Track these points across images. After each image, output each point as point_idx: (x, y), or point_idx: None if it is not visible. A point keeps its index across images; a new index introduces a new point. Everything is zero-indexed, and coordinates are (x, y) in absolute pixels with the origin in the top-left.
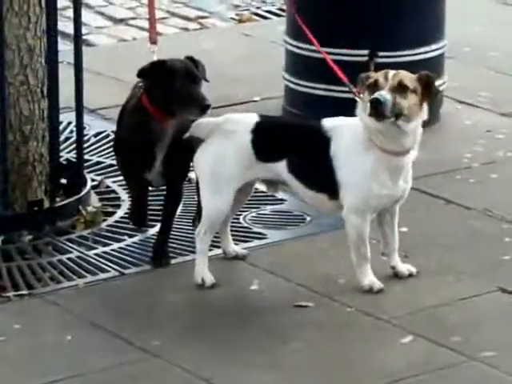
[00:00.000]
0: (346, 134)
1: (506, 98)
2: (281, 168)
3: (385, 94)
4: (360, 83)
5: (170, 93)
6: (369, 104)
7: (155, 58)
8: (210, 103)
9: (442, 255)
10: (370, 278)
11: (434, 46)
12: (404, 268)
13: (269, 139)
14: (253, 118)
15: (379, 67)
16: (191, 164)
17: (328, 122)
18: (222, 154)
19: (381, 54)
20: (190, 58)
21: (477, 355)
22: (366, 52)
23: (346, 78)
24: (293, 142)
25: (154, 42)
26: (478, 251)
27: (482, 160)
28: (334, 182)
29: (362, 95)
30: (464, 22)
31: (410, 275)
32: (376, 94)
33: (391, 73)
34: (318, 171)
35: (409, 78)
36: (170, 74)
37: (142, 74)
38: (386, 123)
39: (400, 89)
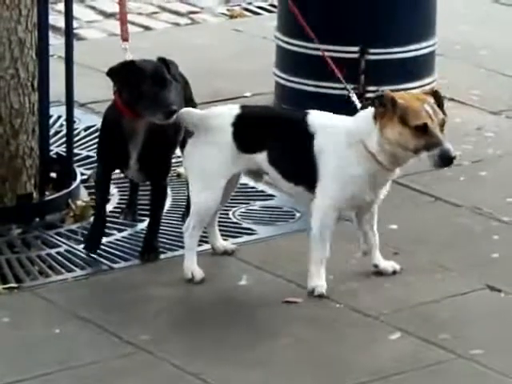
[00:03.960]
0: (337, 135)
1: (496, 96)
2: (261, 159)
3: (451, 148)
4: (378, 102)
5: (137, 94)
6: (438, 158)
7: (128, 55)
8: (175, 108)
9: (431, 252)
10: (316, 282)
11: (424, 44)
12: (388, 265)
13: (250, 130)
14: (234, 111)
15: (370, 64)
16: (171, 159)
17: (314, 117)
18: (208, 149)
19: (371, 50)
20: (162, 60)
21: (465, 353)
22: (356, 49)
23: (344, 81)
24: (274, 133)
25: (125, 39)
26: (466, 249)
27: (472, 158)
28: (314, 177)
29: (381, 115)
30: (455, 19)
31: (394, 272)
32: (447, 150)
33: (429, 109)
34: (299, 165)
35: (436, 105)
36: (138, 75)
37: (111, 73)
38: (408, 154)
39: (442, 126)
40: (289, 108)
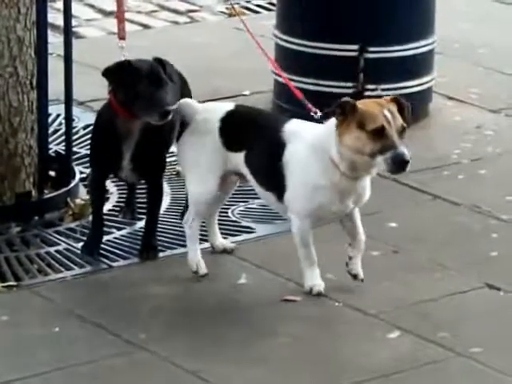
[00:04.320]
0: (304, 145)
1: (494, 95)
2: (240, 159)
3: (406, 151)
4: (339, 110)
5: (132, 95)
6: (390, 161)
7: (124, 54)
8: (170, 109)
9: (430, 251)
10: (311, 281)
11: (423, 42)
12: (354, 267)
13: (232, 129)
14: (226, 107)
15: (369, 62)
16: (166, 157)
17: (290, 126)
18: (200, 142)
19: (370, 49)
20: (158, 60)
21: (464, 351)
22: (355, 47)
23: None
24: (251, 136)
25: (122, 37)
26: (465, 247)
27: (471, 156)
28: (282, 186)
29: (341, 122)
30: (454, 18)
31: (355, 277)
32: (400, 153)
33: (388, 114)
34: (268, 171)
35: (398, 113)
36: (134, 75)
37: (106, 73)
38: (365, 159)
39: (401, 132)
40: (285, 108)
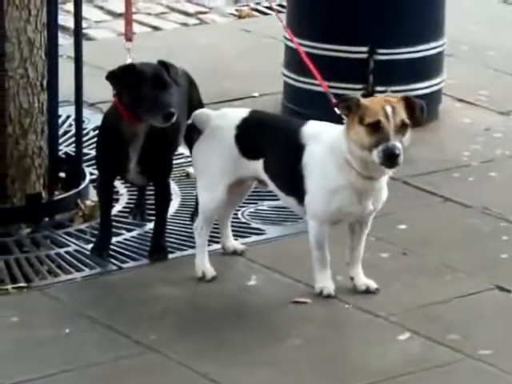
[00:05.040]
0: (323, 145)
1: (504, 97)
2: (259, 166)
3: (398, 145)
4: (345, 107)
5: (136, 98)
6: (381, 154)
7: (129, 56)
8: (173, 111)
9: (440, 253)
10: (322, 283)
11: (433, 44)
12: (362, 282)
13: (250, 136)
14: (241, 114)
15: (378, 64)
16: (172, 159)
17: (308, 128)
18: (213, 148)
19: (380, 51)
20: (162, 63)
21: (474, 353)
22: (365, 49)
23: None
24: (270, 142)
25: (129, 39)
26: (475, 249)
27: (481, 158)
28: (302, 190)
29: (348, 118)
30: (463, 20)
31: (367, 291)
32: (391, 146)
33: (389, 109)
34: (289, 176)
35: (403, 111)
36: (138, 78)
37: (110, 77)
38: (366, 154)
39: (401, 128)
40: (295, 110)
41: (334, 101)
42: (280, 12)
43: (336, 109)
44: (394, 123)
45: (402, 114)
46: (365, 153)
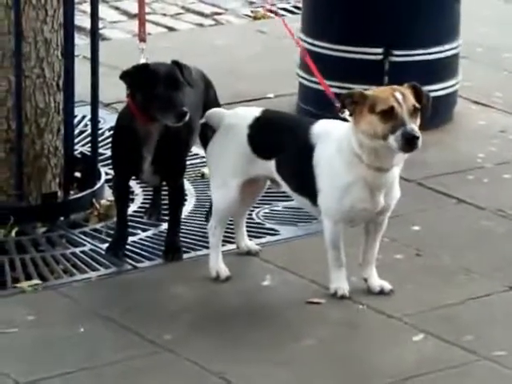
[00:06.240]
0: (332, 144)
1: None
2: (271, 166)
3: (416, 128)
4: (350, 101)
5: (149, 98)
6: (400, 138)
7: (143, 56)
8: (186, 110)
9: (454, 254)
10: (337, 284)
11: (448, 46)
12: (376, 283)
13: (262, 136)
14: (254, 113)
15: (393, 66)
16: (186, 159)
17: (318, 127)
18: (225, 147)
19: (395, 52)
20: (176, 63)
21: (488, 354)
22: (380, 50)
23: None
24: (282, 142)
25: (142, 39)
26: (489, 251)
27: (495, 160)
28: (314, 189)
29: (355, 112)
30: (478, 22)
31: (381, 292)
32: (409, 129)
33: (399, 95)
34: (301, 176)
35: (411, 96)
36: (151, 78)
37: (124, 76)
38: (380, 142)
39: (414, 113)
40: (310, 111)
41: (338, 105)
42: (283, 16)
43: (340, 113)
44: (406, 108)
45: (412, 100)
46: (377, 142)
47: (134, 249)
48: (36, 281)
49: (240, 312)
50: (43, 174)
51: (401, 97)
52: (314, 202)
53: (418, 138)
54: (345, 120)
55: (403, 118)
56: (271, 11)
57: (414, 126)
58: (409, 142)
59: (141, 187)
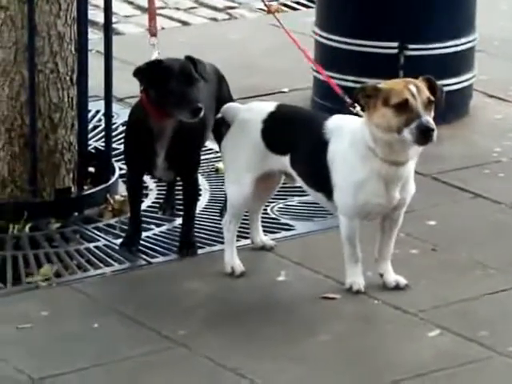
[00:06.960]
0: (345, 138)
1: None
2: (286, 161)
3: (431, 120)
4: (363, 95)
5: (163, 93)
6: (415, 131)
7: (155, 51)
8: (201, 106)
9: (470, 249)
10: (352, 278)
11: (464, 40)
12: (392, 279)
13: (275, 130)
14: (268, 108)
15: (409, 60)
16: (200, 154)
17: (332, 122)
18: (240, 142)
19: (410, 46)
20: (189, 58)
21: (504, 349)
22: (395, 44)
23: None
24: (296, 137)
25: (153, 34)
26: (505, 245)
27: (511, 154)
28: (329, 185)
29: (368, 106)
30: (495, 15)
31: (397, 287)
32: (425, 121)
33: (413, 88)
34: (316, 171)
35: (425, 88)
36: (165, 74)
37: (137, 73)
38: (395, 135)
39: (428, 105)
40: (324, 105)
41: (348, 101)
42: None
43: (352, 108)
44: (421, 100)
45: (427, 92)
46: (392, 135)
47: (148, 244)
48: (47, 266)
49: (255, 307)
50: (57, 169)
51: (415, 89)
52: (329, 198)
53: (433, 130)
54: (357, 115)
55: (418, 111)
56: (270, 11)
57: (428, 118)
58: (424, 135)
59: (155, 182)
